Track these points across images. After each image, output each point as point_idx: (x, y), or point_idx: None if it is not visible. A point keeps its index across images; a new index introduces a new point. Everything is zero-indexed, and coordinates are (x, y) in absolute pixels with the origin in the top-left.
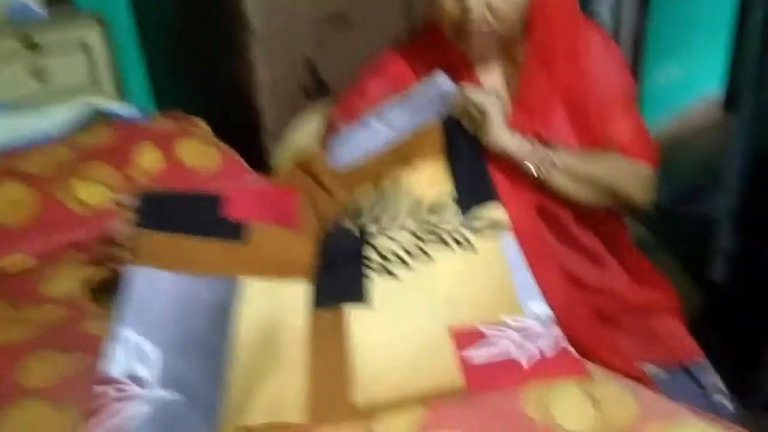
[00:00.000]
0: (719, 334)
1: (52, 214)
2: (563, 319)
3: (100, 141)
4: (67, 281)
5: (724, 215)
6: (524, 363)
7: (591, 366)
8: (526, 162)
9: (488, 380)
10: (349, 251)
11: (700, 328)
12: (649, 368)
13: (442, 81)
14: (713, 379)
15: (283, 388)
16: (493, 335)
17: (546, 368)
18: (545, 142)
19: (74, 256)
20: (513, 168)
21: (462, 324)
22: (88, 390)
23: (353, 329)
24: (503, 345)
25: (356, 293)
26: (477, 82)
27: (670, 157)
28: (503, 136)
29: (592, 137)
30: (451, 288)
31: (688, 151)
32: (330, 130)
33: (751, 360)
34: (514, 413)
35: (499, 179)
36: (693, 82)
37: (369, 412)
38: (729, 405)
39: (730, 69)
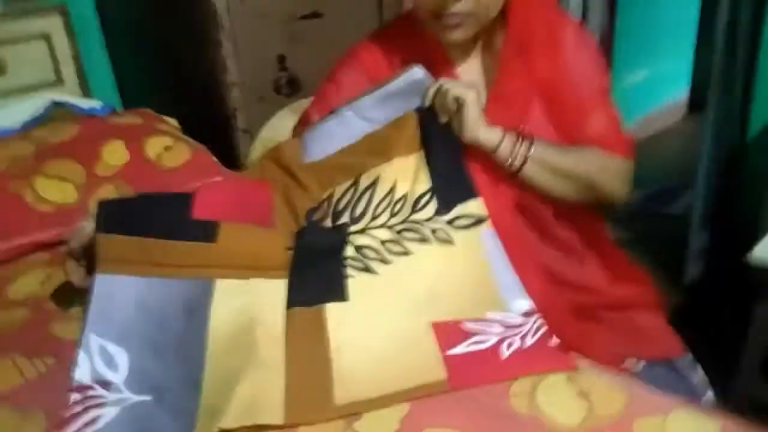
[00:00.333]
0: (695, 333)
1: (13, 212)
2: (544, 315)
3: (64, 137)
4: (32, 283)
5: (695, 215)
6: (509, 357)
7: (578, 359)
8: (500, 153)
9: (472, 375)
10: (326, 247)
11: (677, 327)
12: (633, 363)
13: (418, 72)
14: (697, 374)
15: (261, 388)
16: (476, 330)
17: (532, 362)
18: (523, 134)
19: (39, 256)
20: (492, 163)
21: (444, 319)
22: (54, 394)
23: (332, 327)
24: (486, 340)
25: (335, 291)
26: (453, 73)
27: (640, 159)
28: (480, 128)
29: (568, 130)
30: (432, 284)
31: (656, 153)
32: (304, 123)
33: (727, 358)
34: (500, 408)
35: (478, 174)
36: (659, 85)
37: (349, 411)
38: (713, 399)
39: (694, 72)
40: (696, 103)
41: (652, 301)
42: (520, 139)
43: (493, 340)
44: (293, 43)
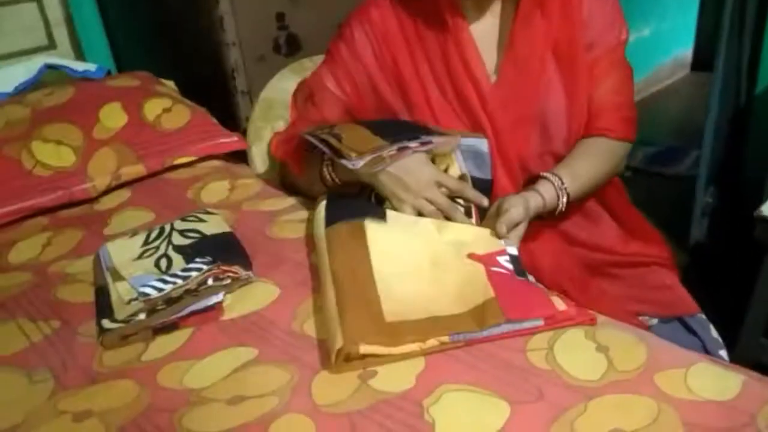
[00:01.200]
0: (701, 292)
1: (11, 177)
2: (556, 274)
3: (60, 100)
4: (33, 247)
5: (702, 175)
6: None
7: (595, 314)
8: (549, 207)
9: (516, 292)
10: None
11: (687, 287)
12: (647, 320)
13: (484, 144)
14: (710, 332)
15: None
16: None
17: (556, 315)
18: (552, 179)
19: (38, 221)
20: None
21: (479, 253)
22: (61, 356)
23: (372, 241)
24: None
25: (375, 211)
26: (467, 31)
27: (645, 118)
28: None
29: (578, 90)
30: (458, 234)
31: (661, 112)
32: (317, 87)
33: (734, 317)
34: (518, 363)
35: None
36: (663, 42)
37: (399, 332)
38: (726, 357)
39: (698, 30)
40: (699, 61)
41: (666, 259)
42: (558, 183)
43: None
44: (292, 1)
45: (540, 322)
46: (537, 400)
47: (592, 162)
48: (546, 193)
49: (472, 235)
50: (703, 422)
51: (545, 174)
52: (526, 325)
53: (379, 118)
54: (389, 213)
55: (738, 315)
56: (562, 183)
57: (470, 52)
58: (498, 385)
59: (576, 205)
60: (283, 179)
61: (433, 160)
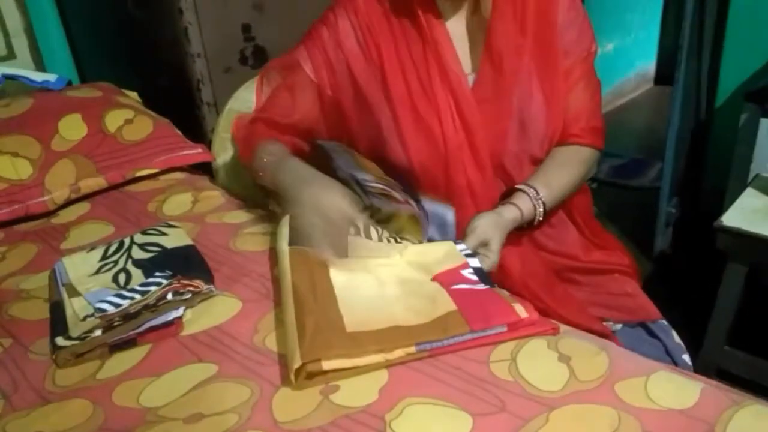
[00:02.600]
0: (665, 302)
1: None
2: (526, 277)
3: (17, 111)
4: None
5: (664, 186)
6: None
7: (558, 324)
8: (527, 219)
9: (476, 307)
10: None
11: (648, 296)
12: (611, 325)
13: (450, 215)
14: (672, 338)
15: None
16: (471, 278)
17: (518, 322)
18: (526, 189)
19: None
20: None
21: (440, 270)
22: (11, 375)
23: (336, 276)
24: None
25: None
26: (442, 29)
27: (609, 131)
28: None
29: (556, 91)
30: (420, 256)
31: (624, 125)
32: (290, 65)
33: (697, 325)
34: (481, 375)
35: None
36: (626, 58)
37: (359, 343)
38: (689, 363)
39: (660, 45)
40: (662, 75)
41: (627, 267)
42: (533, 194)
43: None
44: (258, 12)
45: (504, 329)
46: (499, 411)
47: (564, 171)
48: (523, 205)
49: (434, 254)
50: (664, 431)
51: (520, 186)
52: (490, 332)
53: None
54: (351, 248)
55: (701, 323)
56: (538, 194)
57: (446, 50)
58: (461, 397)
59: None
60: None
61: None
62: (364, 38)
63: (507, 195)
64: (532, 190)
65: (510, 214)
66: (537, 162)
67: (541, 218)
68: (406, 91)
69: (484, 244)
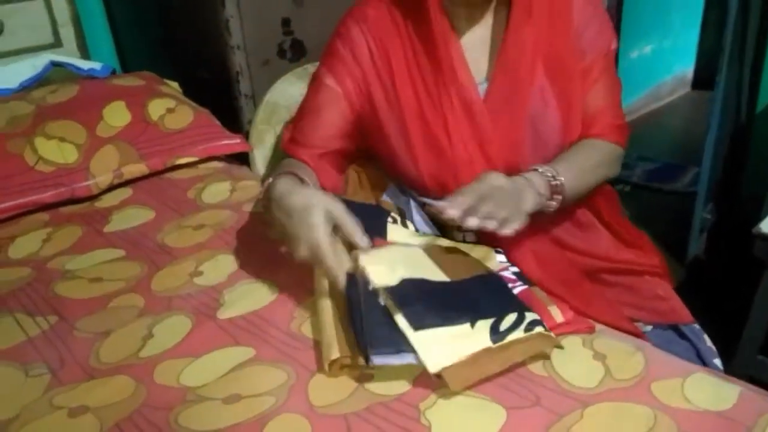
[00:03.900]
0: (699, 306)
1: (13, 172)
2: (553, 279)
3: (64, 97)
4: (33, 242)
5: (701, 192)
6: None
7: (593, 323)
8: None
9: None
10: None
11: (684, 302)
12: (641, 326)
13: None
14: (704, 341)
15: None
16: (511, 278)
17: (554, 328)
18: (546, 173)
19: (39, 216)
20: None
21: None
22: (57, 351)
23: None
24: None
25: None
26: (456, 45)
27: (645, 134)
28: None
29: (572, 98)
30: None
31: (661, 128)
32: (317, 87)
33: (729, 333)
34: (516, 369)
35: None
36: (665, 60)
37: None
38: (721, 367)
39: (700, 48)
40: (700, 79)
41: (659, 269)
42: (550, 179)
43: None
44: (298, 6)
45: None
46: (533, 405)
47: (586, 156)
48: (535, 179)
49: (475, 252)
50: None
51: (538, 167)
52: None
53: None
54: (390, 233)
55: (733, 331)
56: (555, 175)
57: (457, 59)
58: (495, 390)
59: (567, 212)
60: None
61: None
62: (376, 48)
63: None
64: (550, 170)
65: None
66: None
67: (558, 197)
68: (415, 102)
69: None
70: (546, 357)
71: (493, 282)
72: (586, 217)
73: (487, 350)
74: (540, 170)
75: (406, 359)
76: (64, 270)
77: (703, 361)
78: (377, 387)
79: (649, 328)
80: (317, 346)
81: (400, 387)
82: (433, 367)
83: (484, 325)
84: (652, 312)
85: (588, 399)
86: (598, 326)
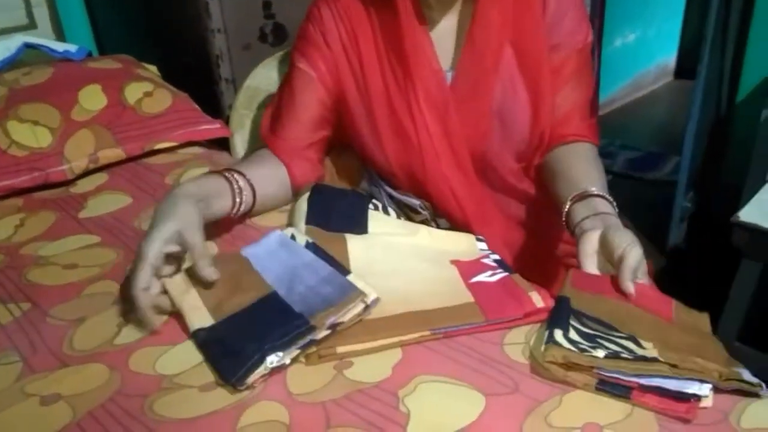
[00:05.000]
0: (678, 295)
1: None
2: (530, 270)
3: (38, 80)
4: (5, 228)
5: (681, 180)
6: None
7: None
8: None
9: (495, 300)
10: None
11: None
12: None
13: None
14: None
15: None
16: (494, 265)
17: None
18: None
19: (12, 201)
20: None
21: (461, 258)
22: (30, 339)
23: (353, 254)
24: (502, 272)
25: (358, 223)
26: (426, 35)
27: (626, 123)
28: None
29: (541, 89)
30: (441, 243)
31: (642, 117)
32: (293, 74)
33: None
34: (495, 355)
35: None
36: (648, 49)
37: (376, 329)
38: None
39: (682, 38)
40: (683, 68)
41: None
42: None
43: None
44: None
45: (519, 315)
46: (512, 392)
47: (596, 165)
48: (609, 209)
49: (455, 242)
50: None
51: (595, 192)
52: (505, 319)
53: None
54: (371, 222)
55: (712, 319)
56: (612, 200)
57: (425, 45)
58: (474, 376)
59: (541, 203)
60: None
61: None
62: (346, 30)
63: (577, 200)
64: (607, 196)
65: (616, 221)
66: (522, 161)
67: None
68: (383, 88)
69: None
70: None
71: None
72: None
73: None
74: (602, 196)
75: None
76: (37, 256)
77: None
78: (356, 374)
79: None
80: None
81: (379, 374)
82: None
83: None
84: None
85: (567, 386)
86: None
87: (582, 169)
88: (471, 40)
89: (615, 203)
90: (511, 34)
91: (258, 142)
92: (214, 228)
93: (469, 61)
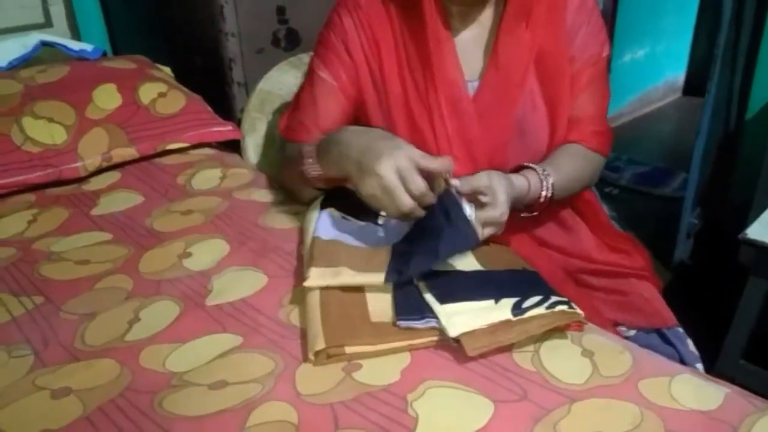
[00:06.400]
0: (683, 311)
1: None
2: None
3: (54, 77)
4: (18, 223)
5: (688, 196)
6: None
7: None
8: (533, 193)
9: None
10: None
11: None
12: (624, 330)
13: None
14: (688, 345)
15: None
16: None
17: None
18: (537, 168)
19: (25, 197)
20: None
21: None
22: (42, 332)
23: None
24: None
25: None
26: (450, 43)
27: (634, 138)
28: (507, 206)
29: (560, 103)
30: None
31: (650, 133)
32: (311, 82)
33: (712, 337)
34: (503, 362)
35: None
36: (657, 65)
37: (383, 333)
38: (702, 371)
39: (692, 54)
40: (691, 85)
41: (645, 271)
42: (542, 173)
43: None
44: None
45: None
46: (521, 399)
47: (571, 161)
48: (531, 178)
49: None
50: (686, 430)
51: (528, 164)
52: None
53: None
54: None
55: (717, 335)
56: (545, 171)
57: (451, 60)
58: (482, 383)
59: (551, 212)
60: (279, 167)
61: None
62: (366, 37)
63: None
64: (539, 167)
65: (518, 181)
66: None
67: (547, 198)
68: (402, 94)
69: (490, 192)
70: (562, 332)
71: (527, 274)
72: (569, 218)
73: (506, 322)
74: (533, 167)
75: (430, 323)
76: (49, 251)
77: (685, 365)
78: (365, 377)
79: (632, 332)
80: (305, 335)
81: (388, 377)
82: (453, 331)
83: (507, 302)
84: (637, 314)
85: (575, 395)
86: (587, 325)
87: (551, 157)
88: (496, 53)
89: (546, 174)
90: (538, 52)
91: (269, 146)
92: (226, 229)
93: (494, 73)
